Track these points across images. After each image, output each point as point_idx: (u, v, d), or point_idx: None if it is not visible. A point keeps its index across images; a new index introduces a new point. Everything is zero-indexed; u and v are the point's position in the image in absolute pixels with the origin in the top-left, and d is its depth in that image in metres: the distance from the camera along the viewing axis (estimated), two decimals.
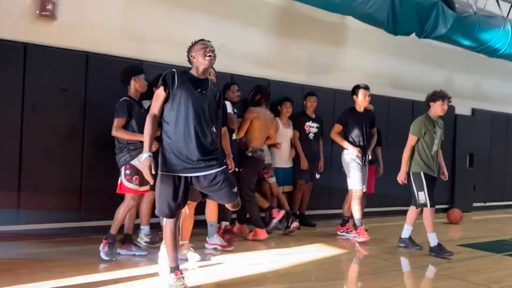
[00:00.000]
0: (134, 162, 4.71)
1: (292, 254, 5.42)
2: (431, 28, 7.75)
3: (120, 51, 6.00)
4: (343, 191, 6.52)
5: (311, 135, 7.09)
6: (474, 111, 10.37)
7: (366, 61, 8.70)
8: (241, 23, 7.13)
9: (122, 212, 4.72)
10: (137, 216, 5.29)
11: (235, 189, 3.72)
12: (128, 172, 4.71)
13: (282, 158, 6.84)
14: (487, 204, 10.41)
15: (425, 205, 5.55)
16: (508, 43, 8.93)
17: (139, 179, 4.71)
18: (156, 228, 5.41)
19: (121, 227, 4.88)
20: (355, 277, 4.92)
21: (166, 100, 3.61)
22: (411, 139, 5.63)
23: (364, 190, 6.36)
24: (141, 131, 4.65)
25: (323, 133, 7.23)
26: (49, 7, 5.53)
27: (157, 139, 3.90)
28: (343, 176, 6.51)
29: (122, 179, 4.74)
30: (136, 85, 4.85)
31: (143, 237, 5.27)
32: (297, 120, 7.07)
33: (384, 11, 7.11)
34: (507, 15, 9.25)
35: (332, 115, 7.88)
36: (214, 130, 3.85)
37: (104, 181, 5.63)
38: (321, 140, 7.25)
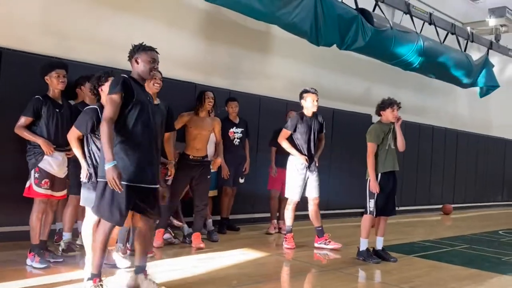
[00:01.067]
0: (44, 165, 4.50)
1: (215, 258, 5.42)
2: (351, 40, 8.11)
3: (39, 48, 5.72)
4: (266, 194, 6.60)
5: (236, 141, 7.10)
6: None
7: (290, 69, 8.93)
8: (167, 24, 7.05)
9: (35, 218, 4.49)
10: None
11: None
12: (37, 175, 4.49)
13: None
14: (400, 208, 11.00)
15: (372, 213, 5.68)
16: (420, 57, 9.55)
17: (49, 183, 4.51)
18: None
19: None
20: (276, 280, 5.02)
21: (123, 106, 3.55)
22: (371, 146, 5.66)
23: (314, 196, 6.25)
24: (50, 132, 4.52)
25: (249, 135, 7.30)
26: None
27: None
28: (266, 180, 6.60)
29: (31, 182, 4.51)
30: (51, 83, 4.60)
31: (61, 244, 5.03)
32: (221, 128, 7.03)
33: (308, 21, 7.33)
34: (420, 31, 9.88)
35: (257, 121, 8.03)
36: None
37: (15, 184, 5.32)
38: (247, 143, 7.27)
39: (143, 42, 3.80)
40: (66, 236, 5.06)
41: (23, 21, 5.68)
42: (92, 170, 4.14)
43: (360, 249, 5.75)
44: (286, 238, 6.28)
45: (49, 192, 4.55)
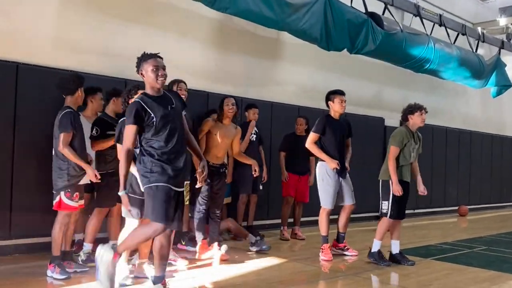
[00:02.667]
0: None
1: (233, 265, 5.44)
2: (361, 44, 8.11)
3: (52, 61, 5.80)
4: (281, 200, 6.55)
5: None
6: (402, 123, 10.89)
7: (301, 75, 8.96)
8: (178, 35, 7.13)
9: (58, 230, 4.54)
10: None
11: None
12: (69, 190, 4.53)
13: None
14: (416, 211, 10.95)
15: (385, 214, 5.68)
16: (432, 59, 9.52)
17: (79, 196, 4.60)
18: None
19: None
20: (294, 286, 5.02)
21: (140, 132, 3.71)
22: (394, 150, 5.59)
23: (349, 203, 6.05)
24: (81, 146, 4.60)
25: (263, 142, 7.32)
26: None
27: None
28: (280, 185, 6.52)
29: (62, 197, 4.53)
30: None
31: (82, 255, 5.07)
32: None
33: (318, 27, 7.37)
34: (431, 33, 9.86)
35: (269, 128, 8.05)
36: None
37: (36, 196, 5.43)
38: (261, 150, 7.28)
39: (144, 52, 3.84)
40: (87, 247, 5.10)
41: (36, 36, 5.78)
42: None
43: (372, 250, 5.74)
44: (322, 249, 5.97)
45: (80, 203, 4.64)
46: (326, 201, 5.97)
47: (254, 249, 6.15)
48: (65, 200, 4.53)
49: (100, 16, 6.31)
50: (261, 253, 6.08)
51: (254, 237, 6.24)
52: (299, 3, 7.15)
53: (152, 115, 3.66)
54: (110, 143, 4.92)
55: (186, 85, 5.46)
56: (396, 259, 5.73)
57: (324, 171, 5.95)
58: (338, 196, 6.02)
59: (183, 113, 3.89)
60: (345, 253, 6.22)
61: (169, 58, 7.14)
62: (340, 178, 6.00)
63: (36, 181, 5.40)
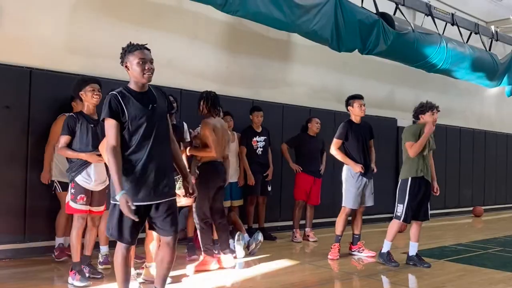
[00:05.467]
0: (80, 180, 4.53)
1: (245, 268, 5.45)
2: (372, 44, 8.07)
3: (65, 66, 5.89)
4: (293, 202, 6.53)
5: (259, 150, 7.11)
6: (415, 123, 10.82)
7: (312, 76, 8.94)
8: (189, 38, 7.17)
9: (75, 235, 4.55)
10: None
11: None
12: (72, 191, 4.53)
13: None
14: (430, 212, 10.82)
15: (399, 218, 5.64)
16: (444, 59, 9.44)
17: (85, 198, 4.54)
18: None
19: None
20: None
21: (121, 128, 3.28)
22: (409, 145, 5.57)
23: (369, 205, 6.15)
24: (88, 147, 4.55)
25: (271, 143, 7.33)
26: None
27: None
28: (292, 188, 6.52)
29: (68, 198, 4.58)
30: (85, 97, 4.65)
31: (99, 257, 5.14)
32: (244, 136, 7.10)
33: (328, 28, 7.35)
34: (443, 33, 9.77)
35: (281, 130, 8.06)
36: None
37: (50, 200, 5.50)
38: (269, 151, 7.29)
39: (130, 42, 3.44)
40: (104, 249, 5.16)
41: (50, 41, 5.86)
42: None
43: (381, 251, 5.73)
44: (332, 247, 6.08)
45: (85, 207, 4.56)
46: (347, 201, 6.08)
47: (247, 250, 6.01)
48: (70, 203, 4.55)
49: (112, 20, 6.37)
50: (270, 254, 6.07)
51: (246, 238, 6.17)
52: (309, 5, 7.15)
53: (125, 112, 3.24)
54: None
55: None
56: (412, 261, 5.69)
57: (349, 173, 6.08)
58: (361, 196, 6.09)
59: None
60: (361, 254, 6.21)
61: (180, 61, 7.23)
62: (366, 180, 6.08)
63: (50, 185, 5.48)
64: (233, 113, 6.89)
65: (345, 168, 6.14)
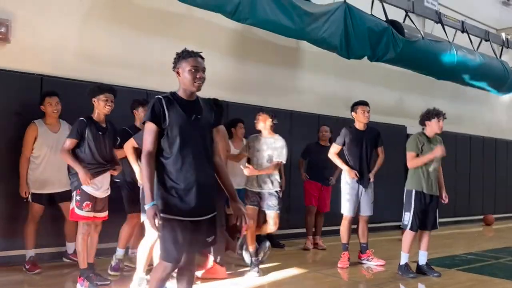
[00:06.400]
0: (86, 187, 4.53)
1: (254, 277, 5.40)
2: (382, 52, 8.07)
3: (76, 73, 5.94)
4: (301, 209, 6.50)
5: None
6: (422, 129, 10.77)
7: (321, 83, 8.94)
8: (199, 46, 6.99)
9: (80, 241, 4.55)
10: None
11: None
12: (78, 198, 4.52)
13: (234, 180, 6.78)
14: (440, 220, 10.73)
15: (406, 226, 5.60)
16: (454, 66, 9.40)
17: (91, 205, 4.54)
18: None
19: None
20: None
21: (161, 134, 3.10)
22: (409, 156, 5.55)
23: (366, 214, 6.13)
24: (93, 154, 4.54)
25: None
26: (2, 29, 5.45)
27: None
28: (302, 195, 6.48)
29: (73, 205, 4.57)
30: (97, 106, 4.65)
31: (113, 259, 5.16)
32: None
33: (337, 36, 7.35)
34: (453, 40, 9.73)
35: (289, 137, 8.02)
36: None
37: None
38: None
39: (185, 49, 3.31)
40: (119, 251, 5.18)
41: (61, 49, 5.92)
42: None
43: (400, 263, 5.66)
44: (341, 256, 6.05)
45: (91, 214, 4.57)
46: (345, 208, 6.10)
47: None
48: (76, 210, 4.54)
49: (122, 28, 6.42)
50: (279, 263, 6.04)
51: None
52: (319, 12, 7.16)
53: (167, 118, 3.07)
54: (122, 152, 4.87)
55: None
56: (422, 270, 5.64)
57: (345, 180, 6.11)
58: (358, 205, 6.09)
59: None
60: (370, 263, 6.16)
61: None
62: (361, 188, 6.02)
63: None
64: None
65: (342, 174, 6.17)
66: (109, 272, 5.08)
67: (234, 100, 7.40)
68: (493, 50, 10.89)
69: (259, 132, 6.62)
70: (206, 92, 7.09)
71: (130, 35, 6.49)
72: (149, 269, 4.90)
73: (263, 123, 5.61)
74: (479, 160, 12.23)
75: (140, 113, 5.31)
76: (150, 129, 3.08)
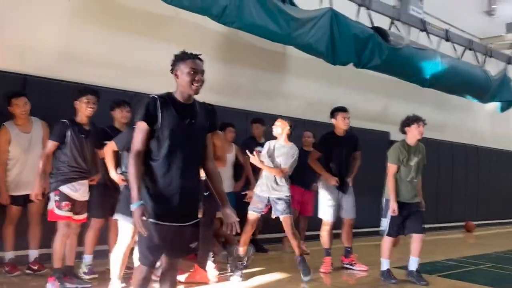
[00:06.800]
0: (64, 189, 4.51)
1: (235, 282, 5.39)
2: (367, 59, 8.13)
3: (60, 74, 5.88)
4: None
5: None
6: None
7: (307, 88, 8.98)
8: (185, 48, 7.09)
9: (59, 242, 4.51)
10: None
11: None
12: (57, 198, 4.49)
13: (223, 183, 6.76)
14: (423, 223, 10.82)
15: (383, 232, 5.66)
16: (438, 74, 9.52)
17: (70, 205, 4.52)
18: (100, 257, 5.26)
19: None
20: None
21: (152, 135, 3.02)
22: (391, 168, 5.58)
23: (348, 217, 6.19)
24: (75, 157, 4.52)
25: None
26: None
27: None
28: None
29: (52, 206, 4.53)
30: (80, 108, 4.63)
31: (83, 267, 5.08)
32: (247, 145, 7.11)
33: (324, 42, 7.39)
34: (437, 48, 9.85)
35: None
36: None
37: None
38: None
39: (184, 50, 3.26)
40: (87, 259, 5.10)
41: (44, 49, 5.86)
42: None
43: (381, 269, 5.69)
44: (324, 260, 6.09)
45: (70, 214, 4.54)
46: (325, 214, 6.13)
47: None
48: (55, 210, 4.50)
49: (108, 29, 6.39)
50: (262, 267, 6.03)
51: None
52: (305, 18, 7.20)
53: (159, 120, 3.00)
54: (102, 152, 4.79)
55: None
56: (411, 277, 5.63)
57: (324, 186, 6.16)
58: (339, 209, 6.14)
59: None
60: (353, 268, 6.20)
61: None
62: (341, 193, 6.11)
63: None
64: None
65: (321, 178, 6.19)
66: (85, 277, 4.99)
67: (220, 103, 7.33)
68: (477, 59, 11.05)
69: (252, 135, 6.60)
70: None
71: (116, 36, 6.45)
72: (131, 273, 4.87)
73: (281, 130, 5.65)
74: (461, 167, 12.39)
75: (117, 114, 5.24)
76: (141, 128, 3.01)
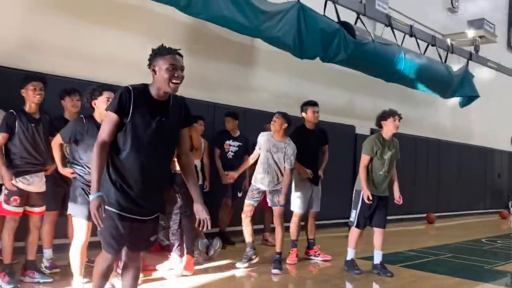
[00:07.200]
0: (17, 182, 4.37)
1: (207, 272, 5.41)
2: (333, 53, 8.20)
3: (19, 63, 5.69)
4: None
5: (230, 154, 7.09)
6: (372, 131, 11.07)
7: (275, 81, 9.00)
8: (151, 39, 6.96)
9: (6, 237, 4.37)
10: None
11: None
12: (6, 192, 4.35)
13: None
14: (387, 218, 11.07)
15: (352, 223, 5.76)
16: (402, 69, 9.70)
17: (19, 200, 4.37)
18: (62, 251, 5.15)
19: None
20: None
21: (120, 126, 2.94)
22: (364, 159, 5.64)
23: (316, 210, 6.35)
24: (26, 147, 4.38)
25: (248, 151, 7.14)
26: None
27: None
28: None
29: (1, 199, 4.39)
30: (27, 96, 4.46)
31: (44, 262, 4.95)
32: (218, 138, 7.10)
33: (291, 35, 7.41)
34: (401, 44, 10.04)
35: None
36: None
37: None
38: (246, 159, 7.24)
39: (162, 45, 3.13)
40: (47, 253, 4.98)
41: (3, 37, 5.66)
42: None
43: (346, 259, 5.80)
44: (290, 252, 6.12)
45: (19, 209, 4.40)
46: (296, 205, 6.21)
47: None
48: (3, 204, 4.38)
49: (71, 18, 6.22)
50: (229, 260, 6.06)
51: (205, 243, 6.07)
52: (273, 11, 7.20)
53: (130, 113, 2.91)
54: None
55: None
56: (376, 270, 5.72)
57: (297, 178, 6.20)
58: (308, 202, 6.24)
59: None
60: (317, 259, 6.31)
61: (142, 62, 7.08)
62: (313, 185, 6.21)
63: None
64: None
65: (294, 172, 6.20)
66: (47, 271, 4.85)
67: (187, 95, 7.16)
68: (439, 55, 11.31)
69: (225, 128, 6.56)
70: None
71: (80, 25, 6.28)
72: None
73: (278, 126, 5.74)
74: (423, 160, 12.71)
75: (67, 103, 5.06)
76: (110, 119, 2.92)
